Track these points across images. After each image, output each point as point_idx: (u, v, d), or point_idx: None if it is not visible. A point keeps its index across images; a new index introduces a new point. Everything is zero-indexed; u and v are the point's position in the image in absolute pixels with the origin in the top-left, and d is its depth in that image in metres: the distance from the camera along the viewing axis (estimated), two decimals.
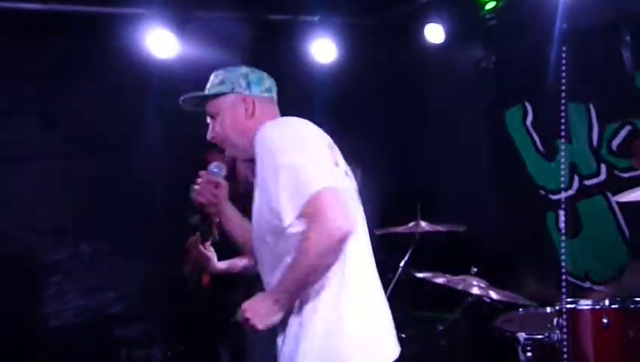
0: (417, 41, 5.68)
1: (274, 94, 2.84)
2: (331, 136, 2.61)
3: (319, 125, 2.60)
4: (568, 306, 3.49)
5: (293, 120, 2.62)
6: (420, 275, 4.53)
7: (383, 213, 5.28)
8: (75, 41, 5.19)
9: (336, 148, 2.61)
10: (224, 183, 2.89)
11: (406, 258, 4.96)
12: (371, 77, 6.16)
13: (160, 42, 5.07)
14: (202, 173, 2.90)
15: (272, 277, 2.54)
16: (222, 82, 2.77)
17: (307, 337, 2.45)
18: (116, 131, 5.61)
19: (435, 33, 5.55)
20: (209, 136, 2.80)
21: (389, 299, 2.68)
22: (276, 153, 2.45)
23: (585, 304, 3.48)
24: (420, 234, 4.92)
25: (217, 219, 2.99)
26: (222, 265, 3.66)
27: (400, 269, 4.92)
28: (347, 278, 2.48)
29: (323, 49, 5.66)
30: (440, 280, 4.36)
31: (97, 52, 5.30)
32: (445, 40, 5.58)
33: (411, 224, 4.96)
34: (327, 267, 2.40)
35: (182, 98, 2.81)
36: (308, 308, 2.46)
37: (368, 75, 6.12)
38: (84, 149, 5.62)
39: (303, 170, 2.39)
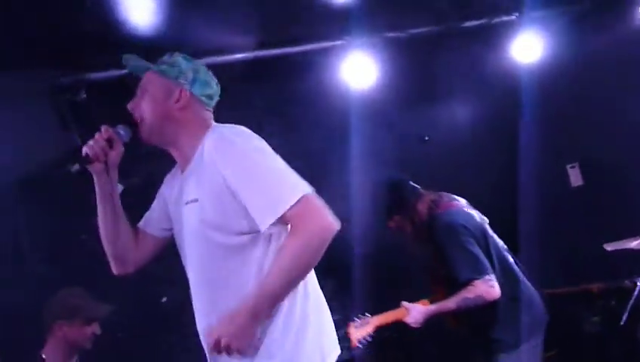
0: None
1: (212, 104, 2.73)
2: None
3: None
4: None
5: (245, 131, 2.54)
6: None
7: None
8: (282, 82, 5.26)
9: None
10: (120, 147, 2.68)
11: None
12: (582, 72, 5.52)
13: (358, 69, 5.17)
14: (105, 127, 2.66)
15: (218, 299, 2.47)
16: (172, 65, 2.67)
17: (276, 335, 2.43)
18: None
19: None
20: (131, 105, 2.69)
21: None
22: (252, 157, 2.42)
23: None
24: None
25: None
26: None
27: None
28: (309, 282, 2.55)
29: (525, 48, 5.32)
30: None
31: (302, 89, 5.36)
32: None
33: None
34: (312, 268, 2.44)
35: (128, 57, 2.72)
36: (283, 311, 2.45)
37: (577, 70, 5.51)
38: None
39: (285, 175, 2.41)
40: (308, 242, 2.32)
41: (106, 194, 2.68)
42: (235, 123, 2.60)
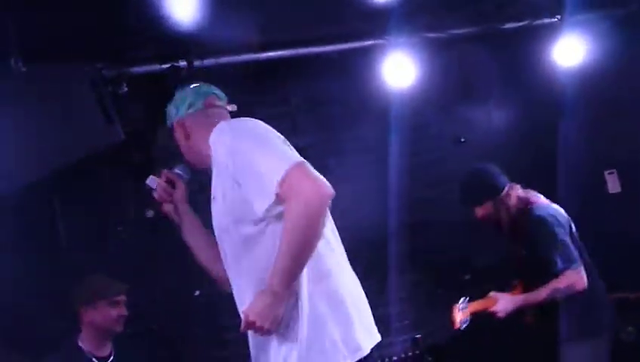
0: None
1: (199, 106, 2.81)
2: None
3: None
4: None
5: (241, 119, 2.66)
6: None
7: None
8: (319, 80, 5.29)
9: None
10: (183, 186, 2.91)
11: None
12: (624, 77, 5.46)
13: (397, 69, 5.12)
14: (164, 171, 2.93)
15: (248, 285, 2.53)
16: (168, 113, 2.87)
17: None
18: None
19: None
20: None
21: None
22: (239, 146, 2.50)
23: None
24: None
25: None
26: None
27: None
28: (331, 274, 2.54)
29: (567, 51, 5.26)
30: None
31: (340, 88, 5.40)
32: None
33: None
34: (318, 235, 2.42)
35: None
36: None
37: (619, 75, 5.44)
38: None
39: (269, 155, 2.44)
40: (302, 212, 2.35)
41: (187, 228, 2.89)
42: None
